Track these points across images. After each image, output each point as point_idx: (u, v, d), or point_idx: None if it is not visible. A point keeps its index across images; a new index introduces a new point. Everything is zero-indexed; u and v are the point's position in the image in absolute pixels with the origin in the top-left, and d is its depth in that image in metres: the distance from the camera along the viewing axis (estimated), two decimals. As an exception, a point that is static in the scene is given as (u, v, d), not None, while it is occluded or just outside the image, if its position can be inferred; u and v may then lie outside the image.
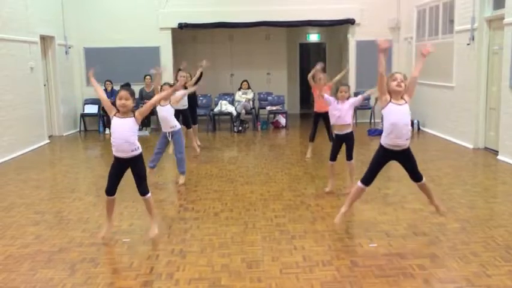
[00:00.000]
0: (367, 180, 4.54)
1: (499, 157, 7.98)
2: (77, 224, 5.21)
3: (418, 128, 11.20)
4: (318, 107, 8.17)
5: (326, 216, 5.28)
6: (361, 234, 4.70)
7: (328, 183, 6.27)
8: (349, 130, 6.02)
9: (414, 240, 4.54)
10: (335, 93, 6.04)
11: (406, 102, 4.40)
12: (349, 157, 6.11)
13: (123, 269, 4.07)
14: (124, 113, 4.48)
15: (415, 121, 11.26)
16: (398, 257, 4.17)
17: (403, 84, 4.32)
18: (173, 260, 4.19)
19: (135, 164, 4.57)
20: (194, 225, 5.09)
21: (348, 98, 5.93)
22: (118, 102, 4.44)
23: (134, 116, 4.49)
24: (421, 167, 7.41)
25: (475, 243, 4.41)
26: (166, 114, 6.62)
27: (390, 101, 4.38)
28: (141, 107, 4.68)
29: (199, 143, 9.77)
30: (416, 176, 4.63)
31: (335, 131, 6.12)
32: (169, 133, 6.67)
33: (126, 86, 4.71)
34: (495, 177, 7.04)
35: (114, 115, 4.49)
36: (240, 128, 11.77)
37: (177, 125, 6.76)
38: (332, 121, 6.07)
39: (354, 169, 6.16)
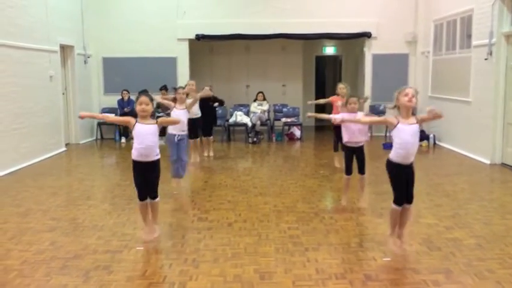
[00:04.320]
0: (399, 200, 4.42)
1: (516, 173, 7.88)
2: (92, 231, 5.26)
3: (434, 143, 11.11)
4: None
5: (340, 229, 5.26)
6: (375, 248, 4.66)
7: (343, 197, 6.19)
8: (361, 143, 5.96)
9: (429, 255, 4.49)
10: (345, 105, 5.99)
11: (417, 122, 4.29)
12: (362, 170, 6.04)
13: (136, 277, 4.09)
14: (144, 117, 4.63)
15: (431, 135, 11.19)
16: (412, 272, 4.13)
17: (414, 100, 4.20)
18: (186, 269, 4.20)
19: (154, 169, 4.74)
20: (208, 235, 5.10)
21: (357, 111, 5.87)
22: (138, 108, 4.60)
23: (156, 123, 4.66)
24: (436, 182, 7.44)
25: (491, 260, 4.35)
26: (182, 117, 6.73)
27: (398, 122, 4.28)
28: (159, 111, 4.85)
29: (212, 153, 9.93)
30: (410, 196, 4.45)
31: (350, 140, 5.98)
32: (178, 135, 6.85)
33: (145, 92, 4.87)
34: (512, 193, 6.96)
35: (136, 123, 4.63)
36: (255, 139, 11.79)
37: (186, 131, 7.05)
38: (346, 138, 5.96)
39: (365, 183, 6.08)
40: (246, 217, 5.73)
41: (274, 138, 12.26)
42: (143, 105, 4.57)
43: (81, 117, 4.87)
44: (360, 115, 5.84)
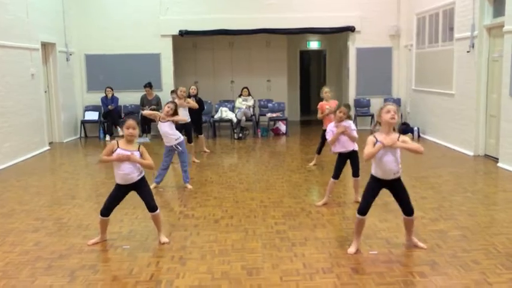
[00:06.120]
0: (364, 210, 4.38)
1: (499, 164, 7.98)
2: (77, 230, 5.21)
3: (419, 135, 11.21)
4: (326, 125, 8.13)
5: (326, 224, 5.28)
6: (361, 242, 4.68)
7: (325, 197, 6.05)
8: (352, 147, 5.86)
9: (415, 247, 4.52)
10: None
11: (398, 139, 4.21)
12: (356, 174, 5.98)
13: (122, 276, 4.06)
14: (130, 141, 4.59)
15: (415, 128, 11.28)
16: (398, 264, 4.16)
17: (396, 117, 4.20)
18: (173, 267, 4.19)
19: (140, 186, 4.68)
20: (194, 232, 5.08)
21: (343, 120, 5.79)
22: (126, 131, 4.57)
23: (139, 149, 4.59)
24: (421, 174, 7.50)
25: (476, 251, 4.40)
26: (167, 129, 6.77)
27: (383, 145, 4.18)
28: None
29: (208, 150, 10.03)
30: (407, 209, 4.45)
31: (340, 150, 5.89)
32: (176, 145, 6.81)
33: (132, 115, 4.84)
34: (495, 184, 7.04)
35: (118, 148, 4.56)
36: (240, 134, 11.78)
37: (180, 136, 6.90)
38: (336, 149, 5.85)
39: (359, 185, 6.03)
40: (232, 213, 5.72)
41: (259, 133, 12.26)
42: (130, 130, 4.55)
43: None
44: (350, 125, 5.80)
